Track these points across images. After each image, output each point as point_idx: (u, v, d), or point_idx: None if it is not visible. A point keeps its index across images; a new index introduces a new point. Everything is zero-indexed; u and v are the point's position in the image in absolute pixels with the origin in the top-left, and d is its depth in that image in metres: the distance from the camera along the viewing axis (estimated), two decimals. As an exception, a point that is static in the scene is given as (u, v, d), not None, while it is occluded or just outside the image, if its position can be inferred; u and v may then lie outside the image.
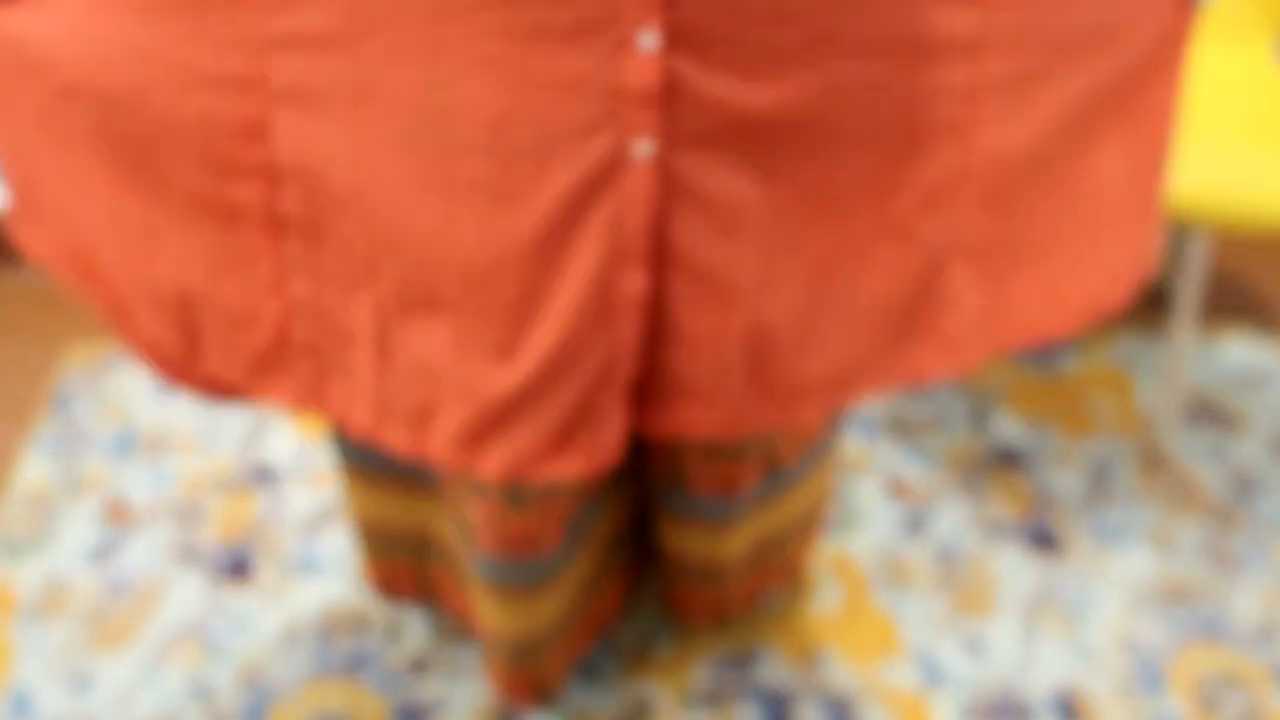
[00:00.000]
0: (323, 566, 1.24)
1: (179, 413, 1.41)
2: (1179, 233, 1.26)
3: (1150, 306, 1.65)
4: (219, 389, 0.75)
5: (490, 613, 0.95)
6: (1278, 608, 1.24)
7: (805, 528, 1.12)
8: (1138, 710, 1.14)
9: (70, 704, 1.11)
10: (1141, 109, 0.76)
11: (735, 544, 1.01)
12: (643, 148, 0.59)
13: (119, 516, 1.29)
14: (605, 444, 0.68)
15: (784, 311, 0.67)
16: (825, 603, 1.23)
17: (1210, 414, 1.47)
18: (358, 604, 1.20)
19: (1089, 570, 1.27)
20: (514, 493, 0.81)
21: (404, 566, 1.09)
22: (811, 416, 0.75)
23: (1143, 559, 1.29)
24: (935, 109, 0.63)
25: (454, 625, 1.17)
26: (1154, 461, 1.40)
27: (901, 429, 1.43)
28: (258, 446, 1.37)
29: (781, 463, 0.93)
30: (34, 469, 1.34)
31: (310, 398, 0.72)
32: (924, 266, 0.69)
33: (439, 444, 0.69)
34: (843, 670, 1.16)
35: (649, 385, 0.69)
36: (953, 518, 1.32)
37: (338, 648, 1.16)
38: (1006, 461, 1.40)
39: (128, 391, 1.44)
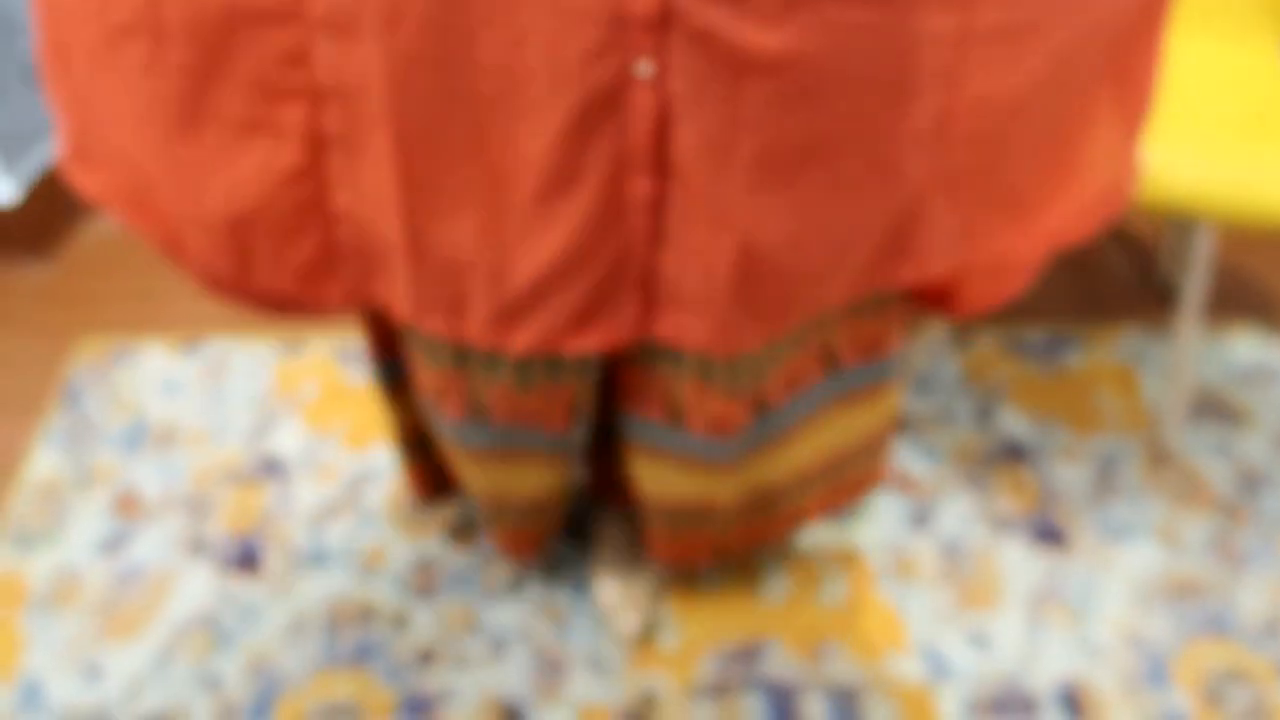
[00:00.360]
0: (331, 558, 1.25)
1: (188, 406, 1.42)
2: (1185, 228, 1.26)
3: (1157, 303, 1.65)
4: (270, 302, 0.80)
5: (476, 478, 1.01)
6: (1284, 603, 1.24)
7: (807, 482, 1.09)
8: (1143, 704, 1.14)
9: (80, 694, 1.12)
10: (1127, 63, 0.78)
11: (727, 489, 1.00)
12: (644, 68, 0.63)
13: (129, 509, 1.30)
14: (621, 326, 0.75)
15: (771, 238, 0.71)
16: (831, 596, 1.23)
17: (1216, 410, 1.47)
18: (365, 595, 1.21)
19: (1094, 565, 1.27)
20: (523, 376, 0.87)
21: (435, 467, 1.17)
22: (789, 329, 0.80)
23: (1148, 554, 1.29)
24: (924, 55, 0.65)
25: (461, 616, 1.18)
26: (1160, 457, 1.40)
27: (907, 424, 1.44)
28: (266, 440, 1.38)
29: (769, 403, 0.94)
30: (45, 462, 1.35)
31: (355, 298, 0.78)
32: (908, 200, 0.73)
33: (473, 328, 0.76)
34: (848, 663, 1.17)
35: (650, 292, 0.74)
36: (958, 512, 1.33)
37: (345, 638, 1.17)
38: (1012, 457, 1.40)
39: (137, 385, 1.45)
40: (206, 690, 1.12)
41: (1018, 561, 1.27)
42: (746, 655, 1.17)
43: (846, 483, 1.13)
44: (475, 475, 1.01)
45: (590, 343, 0.75)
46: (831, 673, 1.16)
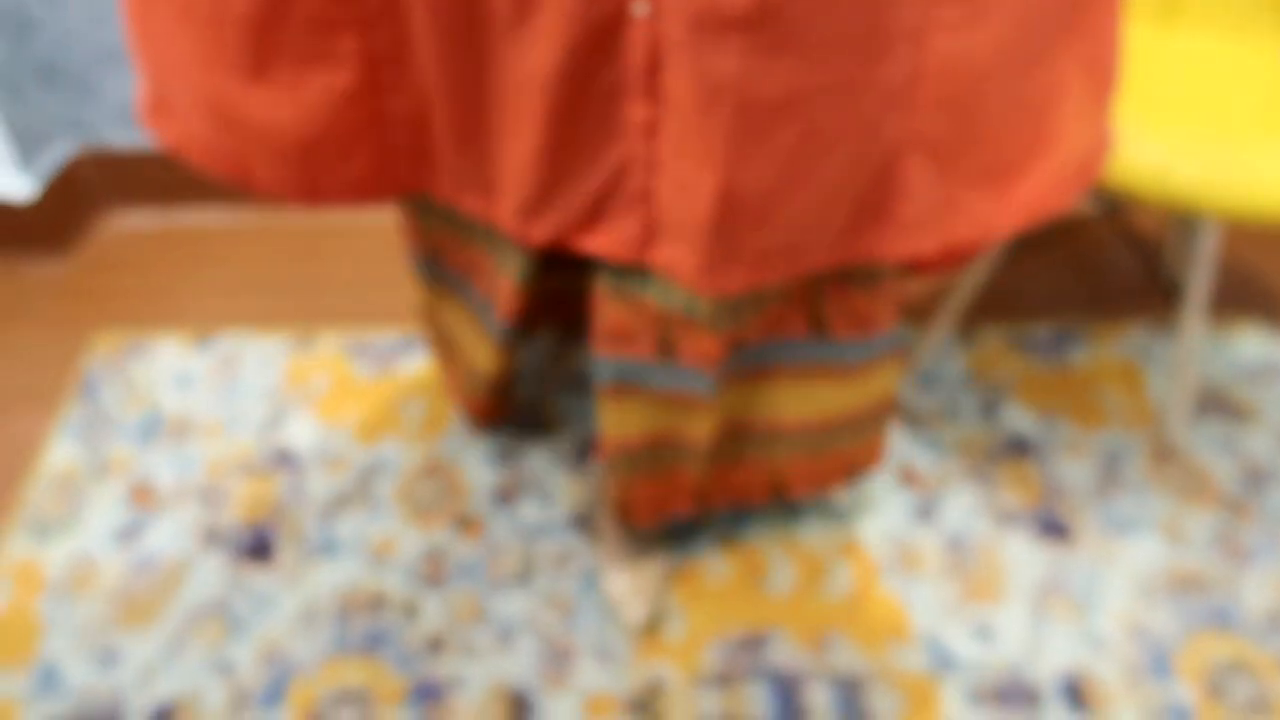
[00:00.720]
0: (342, 549, 1.26)
1: (203, 398, 1.44)
2: (1189, 225, 1.27)
3: (1162, 300, 1.66)
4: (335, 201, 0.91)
5: (479, 355, 1.14)
6: (1287, 597, 1.25)
7: (784, 441, 1.12)
8: (1145, 696, 1.15)
9: (97, 678, 1.14)
10: (1090, 24, 0.81)
11: (698, 424, 1.02)
12: (640, 8, 0.72)
13: (144, 499, 1.32)
14: (626, 239, 0.84)
15: (751, 183, 0.76)
16: (835, 587, 1.24)
17: (1221, 407, 1.48)
18: (376, 585, 1.22)
19: (1098, 559, 1.28)
20: (528, 272, 0.99)
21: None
22: (774, 280, 0.84)
23: (1152, 549, 1.29)
24: (893, 14, 0.70)
25: (469, 603, 1.20)
26: (1164, 453, 1.41)
27: (912, 419, 1.45)
28: (278, 432, 1.40)
29: (745, 341, 0.98)
30: (62, 453, 1.37)
31: (407, 187, 0.91)
32: (883, 156, 0.78)
33: (503, 214, 0.88)
34: (852, 654, 1.18)
35: (649, 216, 0.83)
36: (963, 506, 1.34)
37: (356, 627, 1.19)
38: (1017, 451, 1.41)
39: (152, 379, 1.47)
40: (220, 676, 1.14)
41: (1022, 555, 1.28)
42: (751, 645, 1.18)
43: (833, 458, 1.15)
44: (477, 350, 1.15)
45: (598, 244, 0.85)
46: (836, 663, 1.17)
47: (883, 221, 0.81)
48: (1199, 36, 1.35)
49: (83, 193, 1.71)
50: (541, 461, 1.37)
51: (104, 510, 1.30)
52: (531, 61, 0.75)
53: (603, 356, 0.97)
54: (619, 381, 0.99)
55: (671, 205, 0.80)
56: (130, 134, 1.68)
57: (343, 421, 1.42)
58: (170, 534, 1.28)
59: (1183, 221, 1.61)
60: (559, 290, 1.19)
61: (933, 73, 0.74)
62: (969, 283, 1.39)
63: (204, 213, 1.76)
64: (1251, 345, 1.58)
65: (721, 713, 1.12)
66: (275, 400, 1.44)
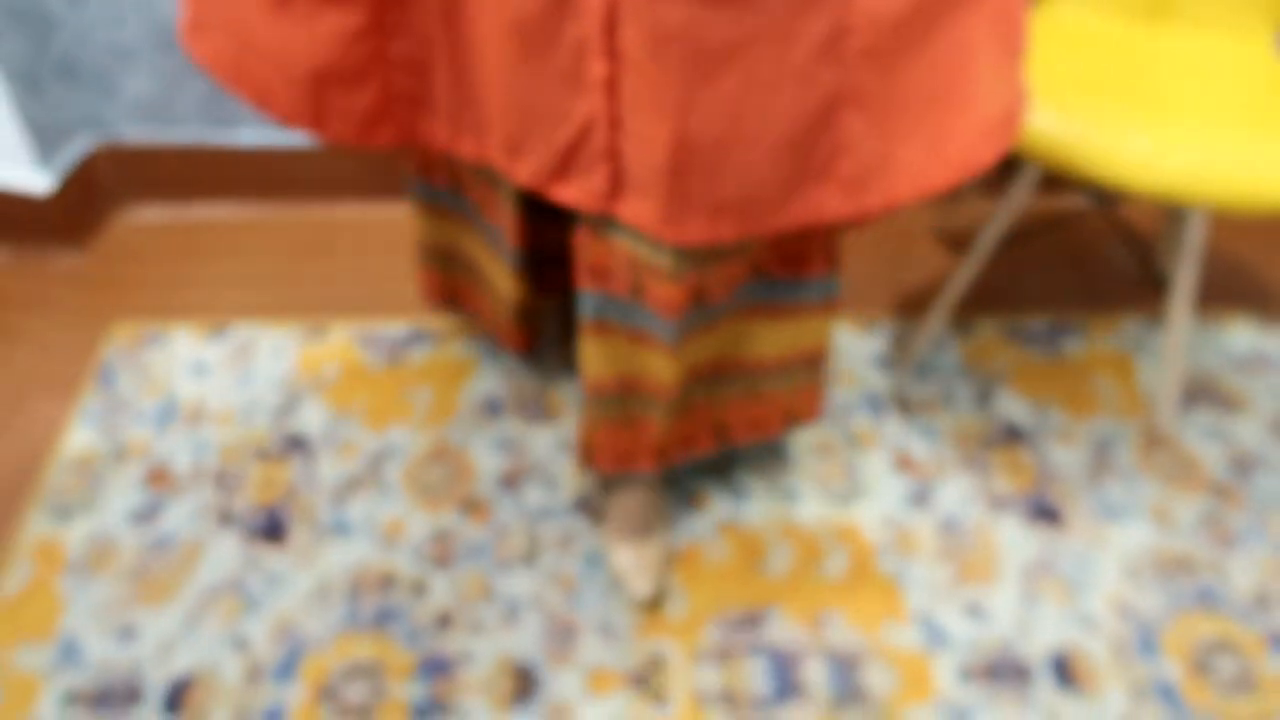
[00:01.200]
0: (352, 530, 1.30)
1: (217, 386, 1.48)
2: (1180, 221, 1.31)
3: (1155, 295, 1.69)
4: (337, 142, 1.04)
5: (502, 283, 1.29)
6: (1273, 579, 1.28)
7: (724, 383, 1.20)
8: (1133, 673, 1.18)
9: (116, 651, 1.17)
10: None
11: (665, 370, 1.09)
12: None
13: (160, 482, 1.36)
14: (594, 191, 0.95)
15: (702, 132, 0.85)
16: (832, 568, 1.28)
17: (1212, 396, 1.51)
18: (385, 564, 1.26)
19: (1089, 542, 1.31)
20: (522, 204, 1.13)
21: (441, 275, 1.41)
22: (731, 236, 0.93)
23: (1142, 532, 1.33)
24: None
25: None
26: (1155, 440, 1.44)
27: (908, 408, 1.48)
28: (290, 419, 1.44)
29: (710, 297, 1.06)
30: (81, 438, 1.41)
31: (404, 137, 1.02)
32: (820, 107, 0.87)
33: (492, 152, 0.99)
34: (848, 631, 1.21)
35: (616, 170, 0.93)
36: (957, 491, 1.37)
37: (367, 604, 1.22)
38: (1010, 439, 1.44)
39: (169, 366, 1.51)
40: (235, 650, 1.18)
41: (1014, 538, 1.32)
42: (750, 623, 1.22)
43: (770, 403, 1.22)
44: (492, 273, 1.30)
45: (569, 194, 0.96)
46: (832, 640, 1.20)
47: (828, 179, 0.89)
48: (1188, 34, 1.39)
49: (100, 187, 1.75)
50: (546, 448, 1.41)
51: (122, 492, 1.34)
52: (506, 12, 0.86)
53: (585, 291, 1.06)
54: (598, 318, 1.08)
55: (633, 158, 0.90)
56: (146, 130, 1.72)
57: (353, 409, 1.46)
58: (186, 515, 1.32)
59: (1174, 215, 1.64)
60: (562, 247, 1.31)
61: (857, 26, 0.84)
62: (962, 276, 1.42)
63: (217, 207, 1.80)
64: (1241, 337, 1.61)
65: (720, 686, 1.16)
66: (287, 388, 1.48)
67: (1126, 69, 1.30)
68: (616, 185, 0.93)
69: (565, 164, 0.94)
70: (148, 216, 1.79)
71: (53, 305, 1.61)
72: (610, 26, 0.84)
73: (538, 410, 1.46)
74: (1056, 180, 1.86)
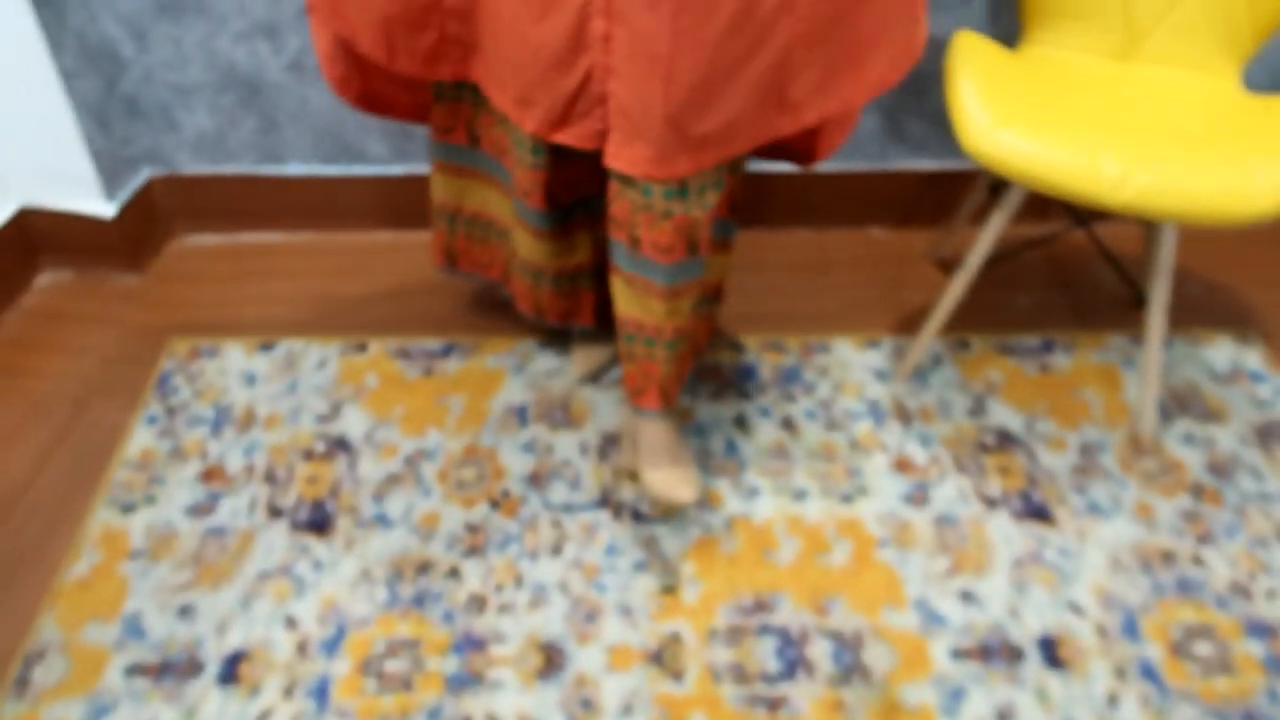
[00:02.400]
0: (392, 522, 1.41)
1: (266, 394, 1.60)
2: (1155, 236, 1.42)
3: (1139, 311, 1.80)
4: (406, 79, 1.34)
5: (522, 245, 1.45)
6: (1248, 571, 1.37)
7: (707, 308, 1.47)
8: (1117, 653, 1.27)
9: (176, 629, 1.28)
10: None
11: (657, 313, 1.28)
12: None
13: (215, 479, 1.47)
14: (589, 132, 1.16)
15: (688, 76, 1.05)
16: (835, 559, 1.37)
17: (1194, 407, 1.61)
18: (423, 553, 1.37)
19: (1075, 537, 1.41)
20: (534, 154, 1.29)
21: (446, 236, 1.57)
22: (710, 164, 1.14)
23: (1125, 528, 1.42)
24: None
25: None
26: (1139, 446, 1.54)
27: (907, 415, 1.59)
28: (334, 423, 1.55)
29: (702, 245, 1.24)
30: (142, 440, 1.53)
31: (458, 72, 1.26)
32: (780, 54, 1.08)
33: (508, 102, 1.21)
34: (850, 615, 1.31)
35: (611, 115, 1.12)
36: (952, 491, 1.47)
37: (406, 588, 1.33)
38: (1002, 444, 1.54)
39: (221, 378, 1.63)
40: (285, 629, 1.28)
41: (1006, 533, 1.41)
42: (759, 607, 1.31)
43: (703, 323, 1.49)
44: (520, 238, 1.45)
45: (569, 137, 1.17)
46: (835, 622, 1.30)
47: (782, 105, 1.12)
48: (1159, 72, 1.51)
49: (159, 215, 1.89)
50: (570, 450, 1.52)
51: (179, 489, 1.46)
52: None
53: (613, 239, 1.26)
54: (616, 263, 1.28)
55: (629, 105, 1.09)
56: (202, 163, 1.86)
57: (391, 414, 1.57)
58: (239, 509, 1.43)
59: (1151, 237, 1.76)
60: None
61: None
62: (954, 291, 1.54)
63: (264, 233, 1.94)
64: (1222, 353, 1.72)
65: (732, 663, 1.25)
66: (331, 396, 1.60)
67: (1101, 101, 1.43)
68: (608, 126, 1.13)
69: (567, 110, 1.15)
70: (202, 242, 1.93)
71: (114, 322, 1.75)
72: None
73: (564, 417, 1.57)
74: (1043, 207, 1.98)
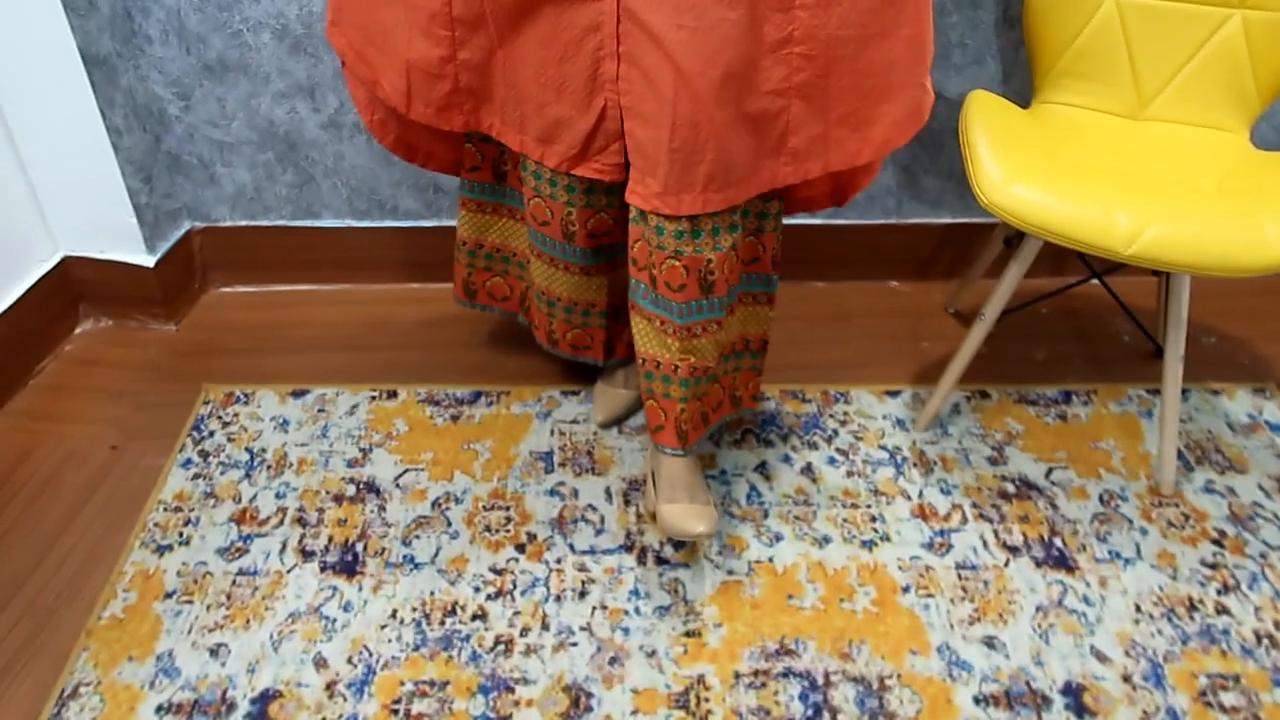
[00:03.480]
0: (420, 564, 1.43)
1: (298, 439, 1.64)
2: (1169, 281, 1.45)
3: (1158, 362, 1.82)
4: (422, 128, 1.43)
5: (539, 274, 1.53)
6: (1274, 620, 1.37)
7: (738, 361, 1.49)
8: (1143, 702, 1.27)
9: (208, 667, 1.30)
10: (910, 15, 1.16)
11: (671, 350, 1.33)
12: None
13: (247, 521, 1.50)
14: (609, 165, 1.27)
15: (691, 117, 1.13)
16: (859, 604, 1.38)
17: (1214, 457, 1.62)
18: (450, 595, 1.39)
19: (1098, 584, 1.41)
20: (568, 191, 1.37)
21: (465, 270, 1.63)
22: (716, 206, 1.21)
23: (1148, 577, 1.43)
24: None
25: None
26: (1161, 495, 1.55)
27: (927, 463, 1.60)
28: (363, 468, 1.59)
29: (716, 287, 1.29)
30: (177, 483, 1.56)
31: (469, 123, 1.35)
32: (775, 97, 1.17)
33: (528, 142, 1.31)
34: (874, 660, 1.31)
35: (633, 166, 1.20)
36: (973, 538, 1.48)
37: (433, 630, 1.34)
38: (1023, 492, 1.56)
39: (254, 423, 1.67)
40: (315, 668, 1.30)
41: (1028, 580, 1.42)
42: (783, 652, 1.32)
43: (745, 375, 1.51)
44: (535, 269, 1.52)
45: (590, 170, 1.28)
46: (859, 668, 1.30)
47: (781, 154, 1.21)
48: (1169, 129, 1.56)
49: (196, 265, 1.95)
50: (595, 496, 1.54)
51: (213, 530, 1.48)
52: (547, 32, 1.18)
53: (634, 278, 1.32)
54: (636, 302, 1.34)
55: (642, 143, 1.18)
56: (239, 217, 1.93)
57: (419, 459, 1.60)
58: (271, 551, 1.45)
59: (1166, 288, 1.79)
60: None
61: (798, 37, 1.13)
62: (973, 340, 1.57)
63: (298, 285, 1.99)
64: (1241, 404, 1.73)
65: (756, 706, 1.25)
66: (361, 441, 1.63)
67: (1113, 156, 1.47)
68: (625, 159, 1.23)
69: (586, 146, 1.26)
70: (237, 292, 1.98)
71: (151, 369, 1.79)
72: (618, 37, 1.15)
73: (589, 463, 1.60)
74: (1059, 262, 2.02)
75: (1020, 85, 1.80)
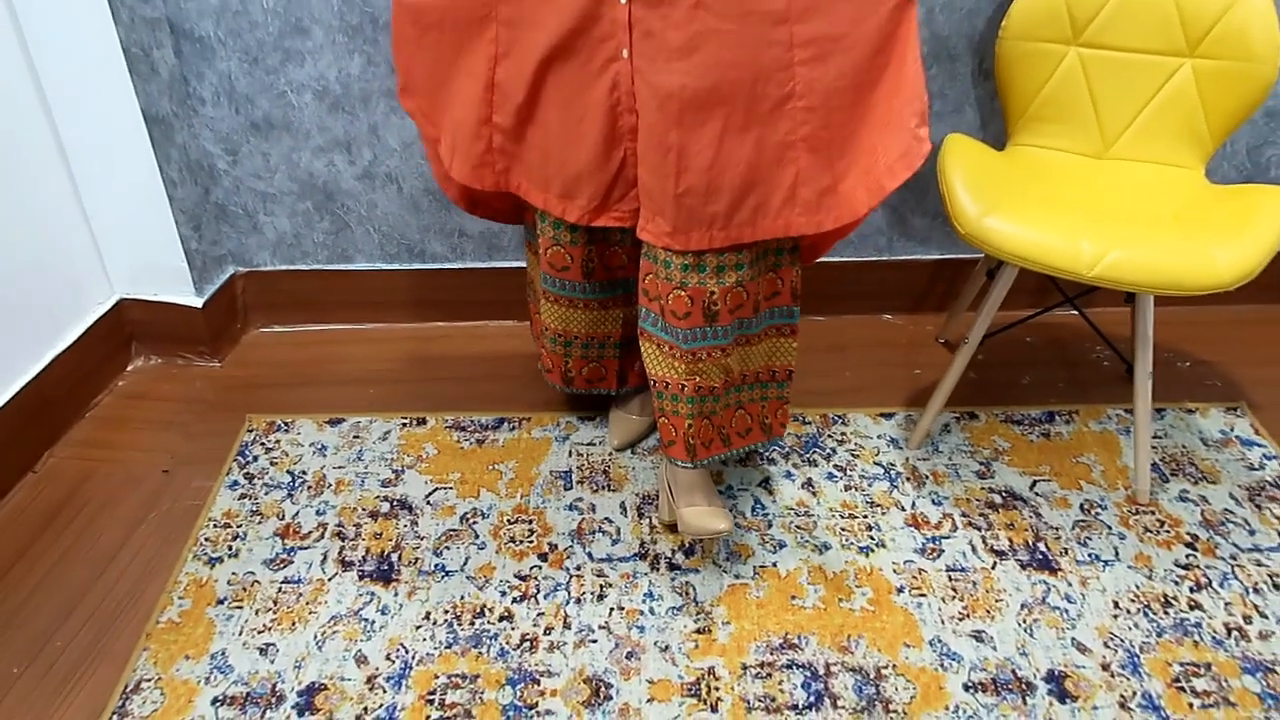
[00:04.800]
0: (451, 572, 1.55)
1: (335, 462, 1.77)
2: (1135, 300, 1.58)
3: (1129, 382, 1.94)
4: (461, 187, 1.56)
5: (551, 317, 1.65)
6: (1243, 615, 1.47)
7: (753, 393, 1.57)
8: (1121, 688, 1.37)
9: (258, 665, 1.41)
10: (893, 64, 1.27)
11: (678, 372, 1.44)
12: (625, 51, 1.26)
13: (290, 536, 1.63)
14: (627, 212, 1.39)
15: (698, 163, 1.26)
16: (857, 604, 1.49)
17: (1188, 469, 1.74)
18: (479, 599, 1.50)
19: (1080, 585, 1.52)
20: (570, 232, 1.52)
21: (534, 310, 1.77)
22: (721, 244, 1.33)
23: (1125, 576, 1.53)
24: (771, 54, 1.24)
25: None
26: (1138, 504, 1.67)
27: (920, 478, 1.72)
28: (396, 487, 1.71)
29: (719, 318, 1.40)
30: (225, 502, 1.69)
31: (499, 183, 1.46)
32: (781, 150, 1.28)
33: (551, 200, 1.42)
34: (871, 653, 1.42)
35: (642, 207, 1.34)
36: (963, 544, 1.59)
37: (464, 630, 1.46)
38: (1009, 503, 1.67)
39: (296, 448, 1.81)
40: (356, 665, 1.41)
41: (1014, 581, 1.53)
42: (787, 646, 1.43)
43: (772, 404, 1.59)
44: (549, 311, 1.65)
45: (611, 219, 1.40)
46: (857, 660, 1.41)
47: (794, 203, 1.32)
48: (1131, 167, 1.71)
49: (239, 307, 2.11)
50: (611, 510, 1.66)
51: (259, 544, 1.61)
52: (585, 96, 1.31)
53: (645, 308, 1.45)
54: (646, 330, 1.46)
55: (652, 187, 1.30)
56: (279, 261, 2.09)
57: (448, 479, 1.73)
58: (313, 561, 1.58)
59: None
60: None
61: (799, 91, 1.25)
62: (960, 362, 1.70)
63: (332, 325, 2.14)
64: (1215, 422, 1.85)
65: (762, 694, 1.36)
66: (393, 464, 1.77)
67: (1078, 191, 1.62)
68: (640, 206, 1.35)
69: (606, 197, 1.38)
70: (276, 331, 2.13)
71: (198, 401, 1.94)
72: (632, 91, 1.28)
73: (605, 481, 1.72)
74: (1042, 294, 2.15)
75: (997, 130, 1.96)
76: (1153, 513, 1.65)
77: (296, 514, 1.67)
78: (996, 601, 1.50)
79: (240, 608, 1.50)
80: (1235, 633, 1.45)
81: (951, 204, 1.53)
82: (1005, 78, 1.75)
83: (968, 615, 1.48)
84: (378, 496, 1.70)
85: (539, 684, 1.38)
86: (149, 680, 1.40)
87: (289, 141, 1.95)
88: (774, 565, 1.56)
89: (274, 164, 1.97)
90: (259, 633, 1.46)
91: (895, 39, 1.24)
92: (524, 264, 2.09)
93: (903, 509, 1.66)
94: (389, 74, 1.88)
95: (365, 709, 1.35)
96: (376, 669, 1.40)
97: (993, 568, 1.55)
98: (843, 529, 1.62)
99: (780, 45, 1.23)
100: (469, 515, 1.66)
